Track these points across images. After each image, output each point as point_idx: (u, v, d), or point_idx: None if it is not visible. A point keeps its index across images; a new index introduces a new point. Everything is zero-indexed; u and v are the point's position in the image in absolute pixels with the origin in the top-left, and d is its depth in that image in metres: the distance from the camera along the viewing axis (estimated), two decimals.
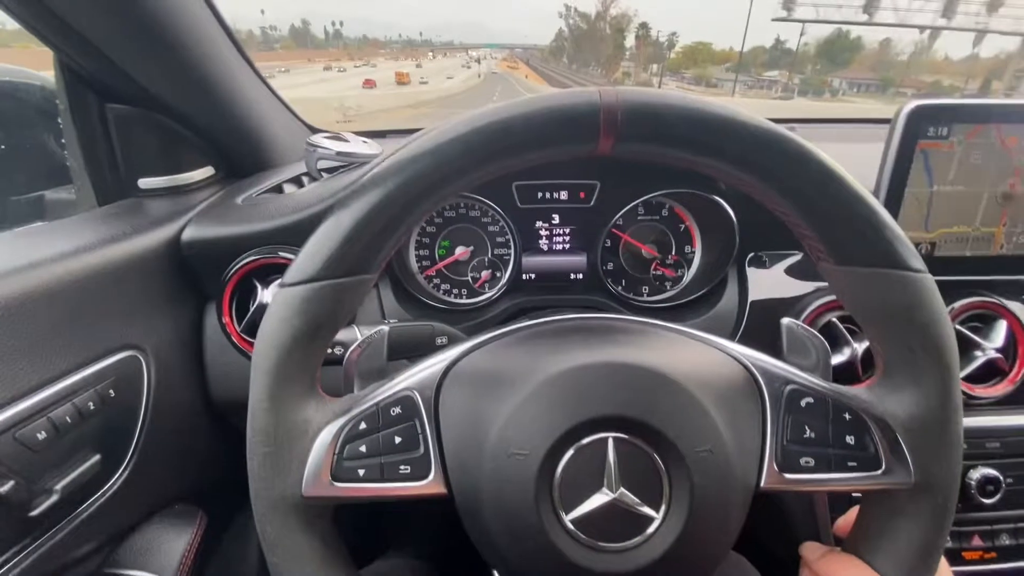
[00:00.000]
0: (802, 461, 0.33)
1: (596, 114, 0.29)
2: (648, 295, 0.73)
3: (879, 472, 0.33)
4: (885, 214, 0.31)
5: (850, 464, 0.33)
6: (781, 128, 0.30)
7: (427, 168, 0.30)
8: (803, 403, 0.34)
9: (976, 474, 0.59)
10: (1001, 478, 0.59)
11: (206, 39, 0.61)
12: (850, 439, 0.33)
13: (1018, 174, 0.56)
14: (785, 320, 0.40)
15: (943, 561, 0.35)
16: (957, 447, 0.33)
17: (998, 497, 0.59)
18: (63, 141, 0.63)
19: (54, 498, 0.41)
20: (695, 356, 0.36)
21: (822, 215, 0.31)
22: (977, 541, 0.61)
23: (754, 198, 0.33)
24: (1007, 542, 0.62)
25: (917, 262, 0.31)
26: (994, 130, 0.54)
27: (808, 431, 0.33)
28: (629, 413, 0.32)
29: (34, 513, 0.40)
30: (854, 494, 0.35)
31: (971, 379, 0.60)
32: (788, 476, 0.33)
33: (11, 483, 0.38)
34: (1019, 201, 0.57)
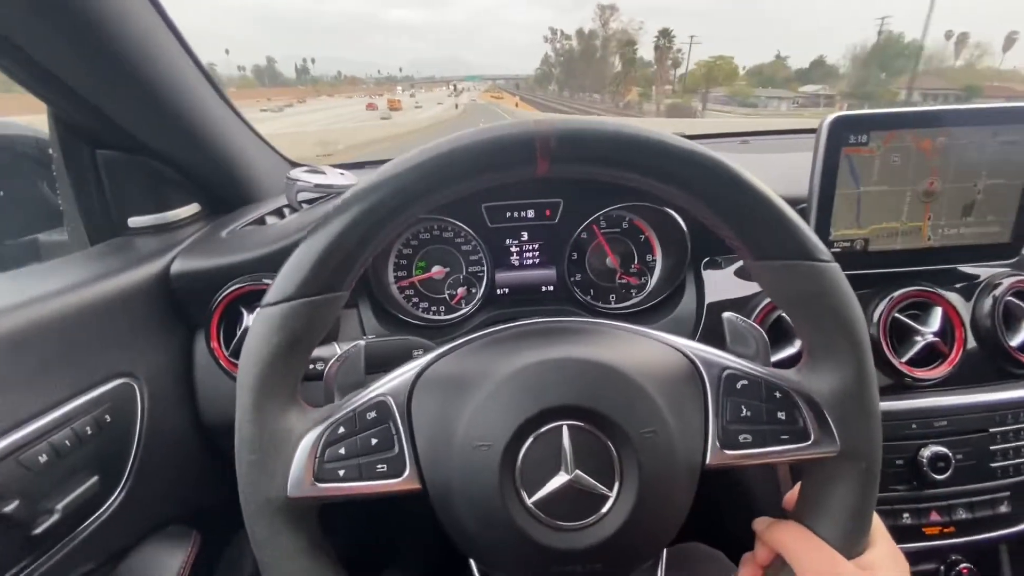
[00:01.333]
0: (740, 438, 0.36)
1: (532, 141, 0.34)
2: (616, 302, 0.78)
3: (808, 443, 0.36)
4: (791, 212, 0.35)
5: (783, 438, 0.36)
6: (694, 144, 0.34)
7: (387, 195, 0.34)
8: (739, 385, 0.37)
9: (927, 452, 0.63)
10: (951, 455, 0.63)
11: (188, 86, 0.66)
12: (781, 415, 0.36)
13: (935, 173, 0.61)
14: (726, 314, 0.45)
15: (877, 520, 0.39)
16: (875, 416, 0.36)
17: (949, 473, 0.63)
18: (55, 186, 0.67)
19: (55, 517, 0.44)
20: (641, 350, 0.40)
21: (737, 217, 0.35)
22: (935, 516, 0.65)
23: (682, 207, 0.37)
24: (963, 516, 0.65)
25: (823, 253, 0.35)
26: (908, 135, 0.60)
27: (745, 410, 0.37)
28: (580, 402, 0.35)
29: (36, 532, 0.43)
30: (792, 466, 0.38)
31: (913, 363, 0.64)
32: (729, 452, 0.36)
33: (15, 503, 0.41)
34: (939, 197, 0.62)
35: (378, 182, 0.34)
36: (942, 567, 0.71)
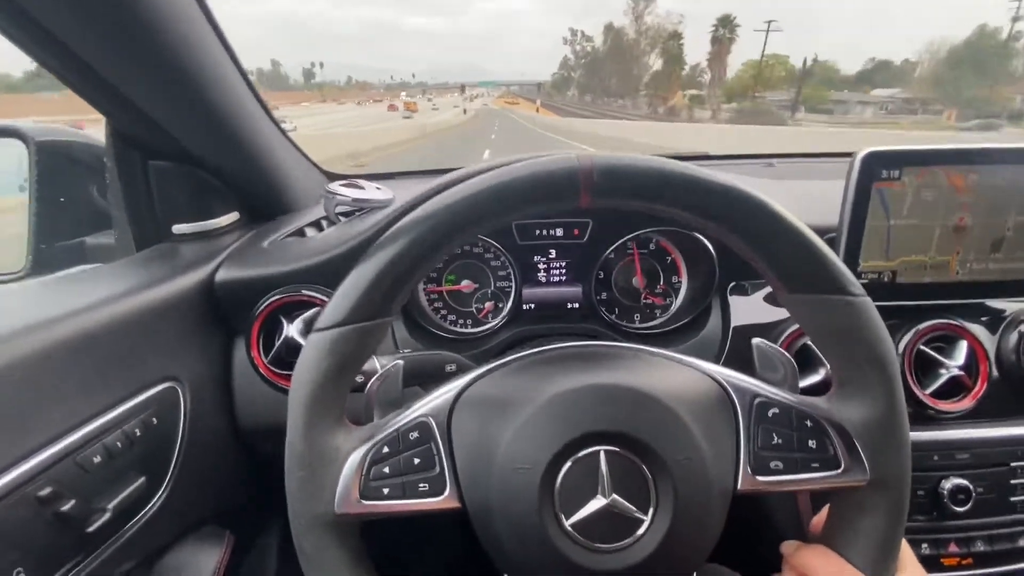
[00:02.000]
0: (772, 465, 0.38)
1: (577, 175, 0.35)
2: (640, 322, 0.79)
3: (839, 471, 0.37)
4: (825, 248, 0.36)
5: (813, 465, 0.37)
6: (730, 179, 0.36)
7: (437, 225, 0.36)
8: (770, 413, 0.39)
9: (948, 484, 0.64)
10: (971, 487, 0.64)
11: (235, 98, 0.68)
12: (812, 443, 0.38)
13: (965, 209, 0.62)
14: (755, 340, 0.46)
15: (906, 547, 0.40)
16: (905, 446, 0.37)
17: (970, 506, 0.63)
18: (102, 191, 0.70)
19: (107, 516, 0.46)
20: (674, 376, 0.41)
21: (772, 252, 0.37)
22: (954, 548, 0.65)
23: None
24: (982, 549, 0.66)
25: (856, 288, 0.37)
26: (941, 172, 0.61)
27: (776, 438, 0.38)
28: (617, 428, 0.37)
29: (90, 530, 0.45)
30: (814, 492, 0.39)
31: (937, 395, 0.65)
32: (760, 479, 0.37)
33: (72, 502, 0.43)
34: (968, 232, 0.63)
35: (430, 212, 0.36)
36: None
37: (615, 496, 0.36)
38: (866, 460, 0.37)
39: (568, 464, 0.36)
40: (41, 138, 0.68)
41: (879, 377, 0.37)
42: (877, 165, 0.60)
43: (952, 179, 0.61)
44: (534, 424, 0.37)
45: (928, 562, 0.65)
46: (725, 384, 0.40)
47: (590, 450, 0.36)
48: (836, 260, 0.37)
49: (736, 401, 0.39)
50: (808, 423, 0.38)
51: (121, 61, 0.54)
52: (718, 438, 0.38)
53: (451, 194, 0.36)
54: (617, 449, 0.36)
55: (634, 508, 0.36)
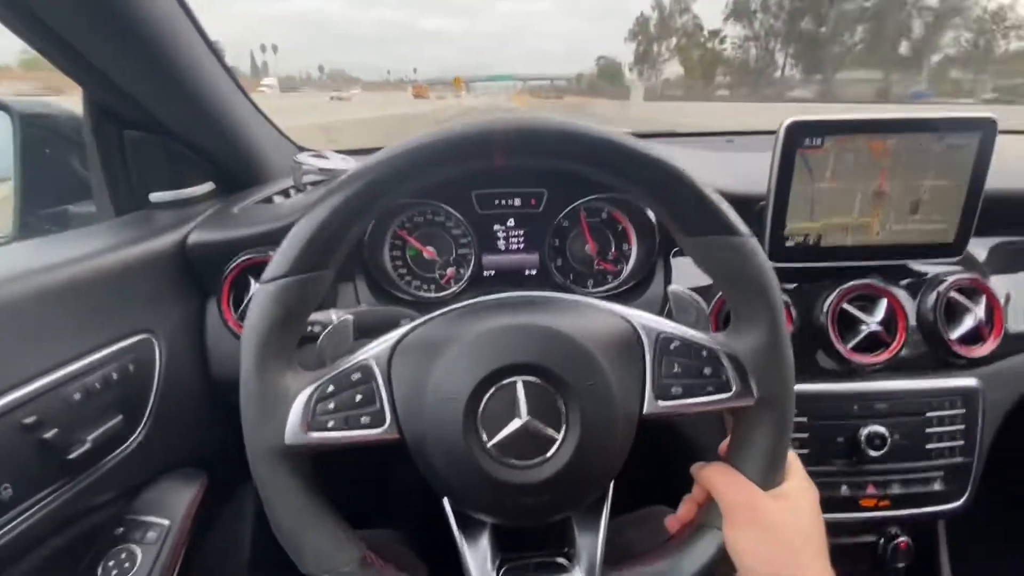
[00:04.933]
0: (672, 391, 0.42)
1: (491, 137, 0.40)
2: (593, 286, 0.84)
3: (730, 394, 0.42)
4: (714, 194, 0.40)
5: (708, 389, 0.42)
6: (623, 135, 0.40)
7: (363, 186, 0.39)
8: (672, 346, 0.43)
9: (865, 430, 0.69)
10: (887, 434, 0.69)
11: (207, 73, 0.72)
12: (707, 370, 0.42)
13: (884, 174, 0.67)
14: (671, 287, 0.51)
15: (792, 456, 0.45)
16: (788, 369, 0.42)
17: (885, 450, 0.69)
18: (85, 162, 0.75)
19: (86, 446, 0.51)
20: (590, 317, 0.46)
21: (669, 200, 0.41)
22: (871, 490, 0.71)
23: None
24: (898, 491, 0.71)
25: (743, 228, 0.41)
26: (861, 139, 0.65)
27: (676, 367, 0.43)
28: (532, 360, 0.41)
29: (70, 457, 0.50)
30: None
31: (858, 349, 0.70)
32: (662, 403, 0.42)
33: (55, 431, 0.49)
34: (888, 196, 0.68)
35: (355, 174, 0.40)
36: (881, 540, 0.78)
37: (530, 418, 0.40)
38: (753, 383, 0.42)
39: (490, 392, 0.41)
40: (24, 111, 0.72)
41: (763, 309, 0.42)
42: (801, 134, 0.65)
43: (871, 145, 0.65)
44: (460, 359, 0.42)
45: (847, 503, 0.71)
46: (635, 323, 0.45)
47: (508, 380, 0.41)
48: (724, 204, 0.41)
49: (643, 336, 0.44)
50: (704, 353, 0.43)
51: (94, 34, 0.58)
52: (625, 368, 0.43)
53: (378, 155, 0.40)
54: (532, 378, 0.41)
55: (547, 428, 0.41)
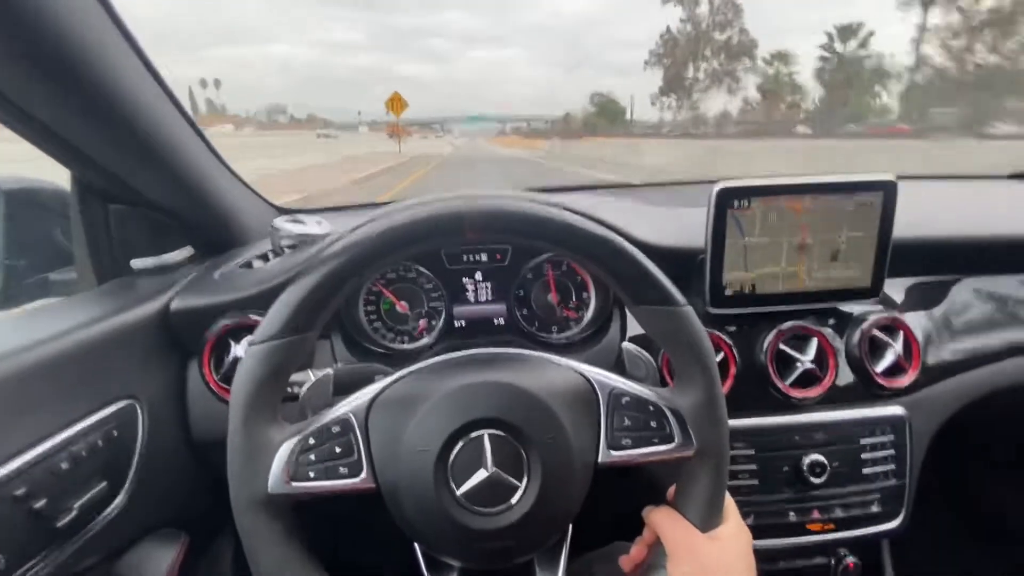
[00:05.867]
0: (623, 442, 0.48)
1: (462, 218, 0.46)
2: (557, 333, 0.90)
3: (673, 445, 0.48)
4: (655, 269, 0.47)
5: (654, 440, 0.48)
6: (574, 216, 0.46)
7: (348, 260, 0.45)
8: (623, 401, 0.49)
9: (807, 459, 0.76)
10: (827, 462, 0.76)
11: (186, 146, 0.77)
12: (653, 424, 0.48)
13: (805, 228, 0.76)
14: (625, 344, 0.57)
15: (730, 501, 0.51)
16: (722, 423, 0.48)
17: (825, 477, 0.76)
18: (64, 231, 0.78)
19: (73, 514, 0.54)
20: (549, 373, 0.51)
21: (614, 272, 0.48)
22: (816, 515, 0.77)
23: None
24: (840, 514, 0.78)
25: (679, 299, 0.48)
26: (783, 199, 0.74)
27: (627, 420, 0.48)
28: (497, 415, 0.46)
29: (58, 525, 0.52)
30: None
31: (794, 385, 0.77)
32: (614, 453, 0.48)
33: (44, 500, 0.51)
34: (810, 248, 0.77)
35: (342, 248, 0.46)
36: (832, 561, 0.83)
37: (496, 469, 0.45)
38: (693, 435, 0.48)
39: (459, 445, 0.46)
40: (8, 187, 0.75)
41: (700, 371, 0.48)
42: (731, 197, 0.73)
43: (791, 205, 0.75)
44: (433, 414, 0.47)
45: (795, 528, 0.77)
46: (591, 378, 0.51)
47: (476, 433, 0.46)
48: (662, 278, 0.48)
49: (598, 392, 0.50)
50: (651, 408, 0.48)
51: (69, 117, 0.61)
52: (581, 421, 0.48)
53: (363, 231, 0.46)
54: (497, 432, 0.46)
55: (510, 478, 0.45)
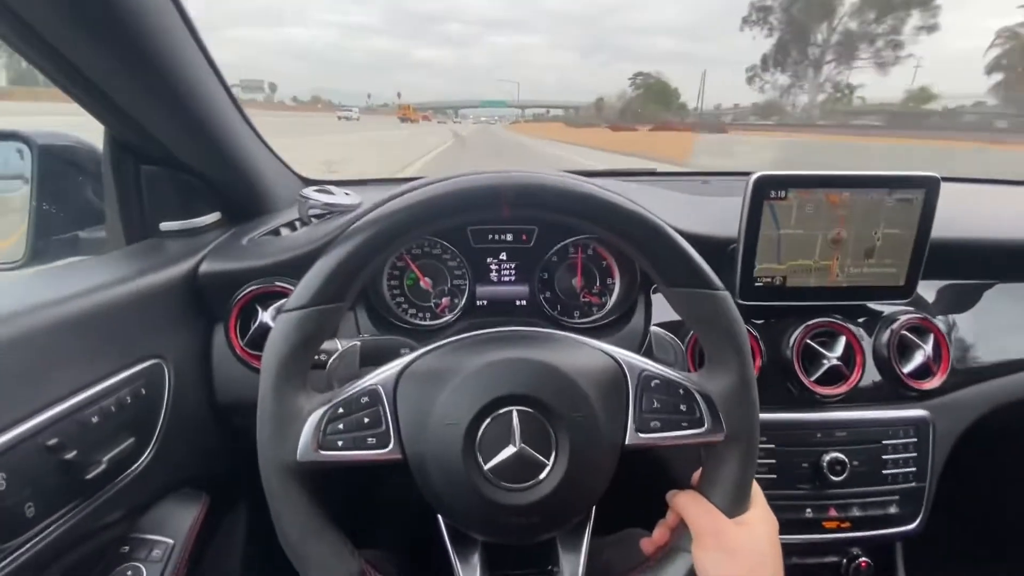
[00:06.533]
0: (652, 424, 0.48)
1: (499, 192, 0.45)
2: (578, 318, 0.89)
3: (703, 429, 0.47)
4: (692, 251, 0.46)
5: (683, 424, 0.47)
6: (614, 194, 0.46)
7: (383, 229, 0.45)
8: (653, 384, 0.48)
9: (827, 457, 0.75)
10: (847, 461, 0.75)
11: (220, 110, 0.77)
12: (683, 407, 0.48)
13: (841, 222, 0.74)
14: (653, 328, 0.57)
15: (756, 487, 0.50)
16: (753, 408, 0.48)
17: (845, 476, 0.75)
18: (96, 190, 0.79)
19: (102, 467, 0.54)
20: (580, 354, 0.51)
21: (652, 254, 0.47)
22: (833, 512, 0.77)
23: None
24: (858, 514, 0.77)
25: (717, 283, 0.47)
26: (820, 192, 0.73)
27: (656, 403, 0.48)
28: (527, 392, 0.46)
29: (88, 477, 0.53)
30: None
31: (820, 381, 0.76)
32: (643, 435, 0.47)
33: (74, 452, 0.52)
34: (845, 242, 0.75)
35: (377, 217, 0.46)
36: (844, 560, 0.83)
37: (523, 445, 0.45)
38: (723, 419, 0.47)
39: (488, 420, 0.46)
40: (43, 142, 0.76)
41: (734, 355, 0.47)
42: (767, 187, 0.72)
43: (829, 197, 0.73)
44: (462, 389, 0.47)
45: (811, 525, 0.77)
46: (620, 360, 0.50)
47: (505, 409, 0.46)
48: (701, 261, 0.47)
49: (627, 373, 0.49)
50: (681, 391, 0.48)
51: (116, 75, 0.62)
52: (610, 402, 0.48)
53: (399, 202, 0.46)
54: (526, 408, 0.46)
55: (538, 455, 0.45)
